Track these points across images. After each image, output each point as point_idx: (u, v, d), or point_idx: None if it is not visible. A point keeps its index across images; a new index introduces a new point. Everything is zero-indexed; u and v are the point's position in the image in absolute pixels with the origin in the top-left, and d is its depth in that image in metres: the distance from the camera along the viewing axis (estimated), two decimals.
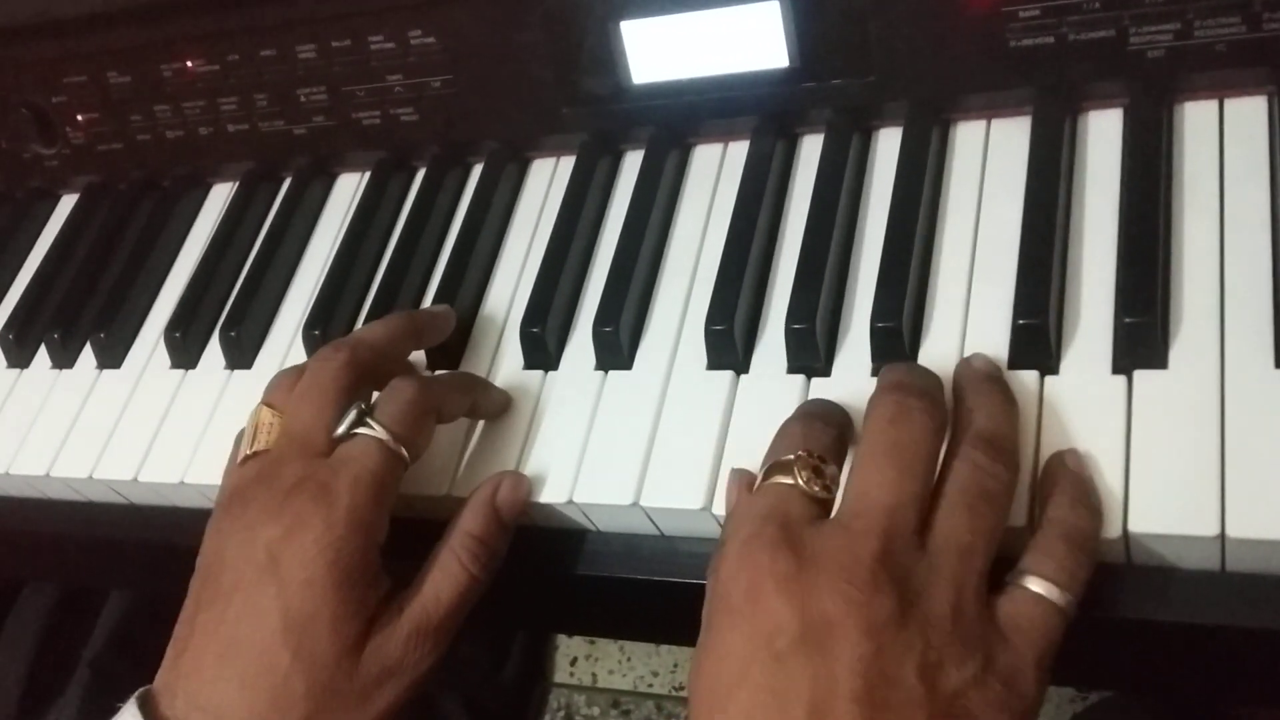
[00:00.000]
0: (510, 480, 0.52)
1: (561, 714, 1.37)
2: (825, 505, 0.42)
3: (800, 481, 0.42)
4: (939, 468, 0.43)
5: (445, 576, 0.49)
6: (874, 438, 0.42)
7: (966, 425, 0.44)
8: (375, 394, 0.54)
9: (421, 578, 0.49)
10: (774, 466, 0.43)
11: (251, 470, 0.49)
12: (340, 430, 0.49)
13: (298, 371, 0.52)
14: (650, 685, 1.36)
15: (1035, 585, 0.40)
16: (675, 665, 1.36)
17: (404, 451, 0.49)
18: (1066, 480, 0.43)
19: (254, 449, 0.50)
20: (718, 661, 0.40)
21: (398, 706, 0.47)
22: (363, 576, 0.47)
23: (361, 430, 0.48)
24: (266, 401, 0.52)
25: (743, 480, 0.46)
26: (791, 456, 0.43)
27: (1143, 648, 0.46)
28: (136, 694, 0.47)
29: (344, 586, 0.46)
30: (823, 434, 0.45)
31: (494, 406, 0.56)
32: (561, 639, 1.41)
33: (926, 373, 0.46)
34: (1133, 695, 0.73)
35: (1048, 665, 0.40)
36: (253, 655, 0.45)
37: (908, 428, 0.42)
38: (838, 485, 0.43)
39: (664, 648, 1.37)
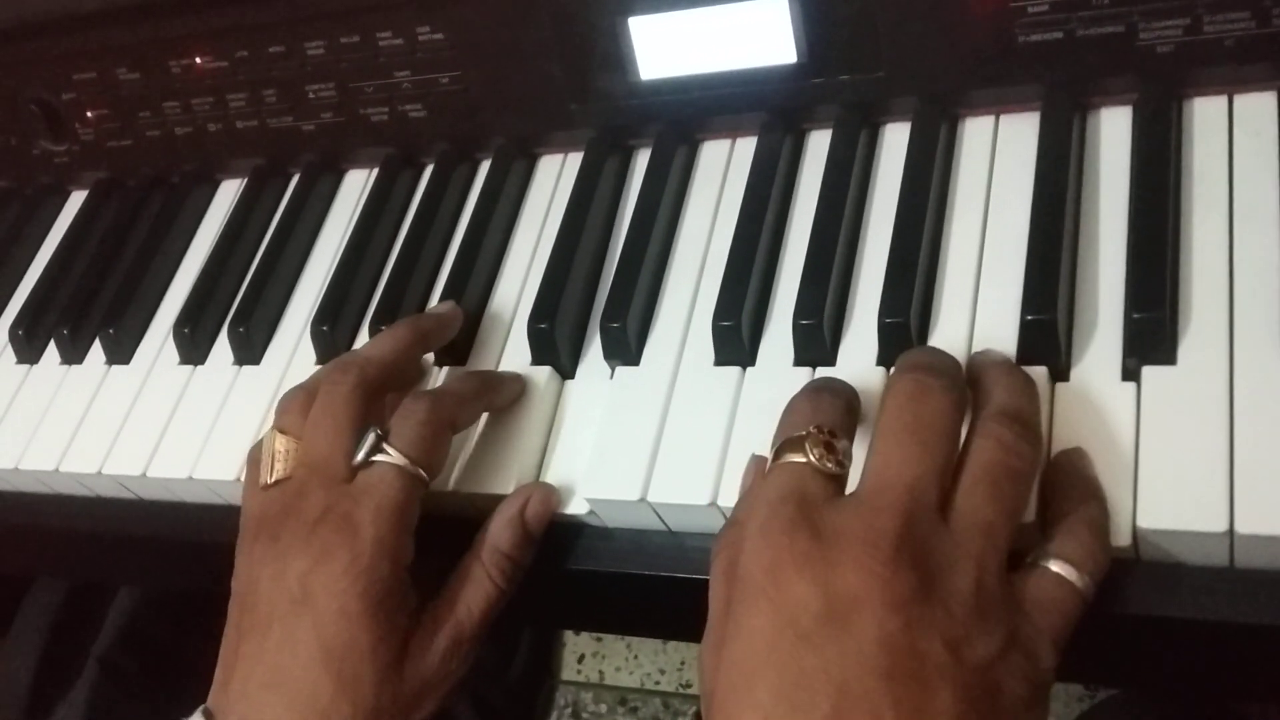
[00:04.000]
0: (540, 494, 0.52)
1: (569, 711, 1.37)
2: (840, 481, 0.42)
3: (813, 459, 0.41)
4: (960, 446, 0.42)
5: (477, 590, 0.50)
6: (893, 415, 0.42)
7: (987, 403, 0.44)
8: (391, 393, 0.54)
9: (452, 592, 0.50)
10: (785, 445, 0.43)
11: (275, 500, 0.50)
12: (359, 458, 0.49)
13: (306, 393, 0.52)
14: (657, 683, 1.36)
15: (1058, 567, 0.40)
16: (682, 663, 1.36)
17: (422, 473, 0.49)
18: (1078, 475, 0.44)
19: (274, 478, 0.51)
20: (743, 645, 0.39)
21: (437, 712, 0.49)
22: (393, 600, 0.48)
23: (379, 457, 0.49)
24: (279, 427, 0.52)
25: (760, 466, 0.46)
26: (802, 433, 0.42)
27: (1151, 644, 0.46)
28: (200, 709, 0.49)
29: (377, 613, 0.47)
30: (831, 407, 0.44)
31: (508, 400, 0.56)
32: (569, 637, 1.41)
33: (945, 354, 0.46)
34: (1140, 693, 0.73)
35: (1063, 645, 0.40)
36: (297, 685, 0.47)
37: (927, 404, 0.42)
38: (850, 460, 0.43)
39: (671, 646, 1.37)
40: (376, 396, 0.52)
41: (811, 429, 0.42)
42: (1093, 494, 0.43)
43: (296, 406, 0.52)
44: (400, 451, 0.49)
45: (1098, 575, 0.41)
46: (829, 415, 0.44)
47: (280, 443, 0.51)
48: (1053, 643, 0.39)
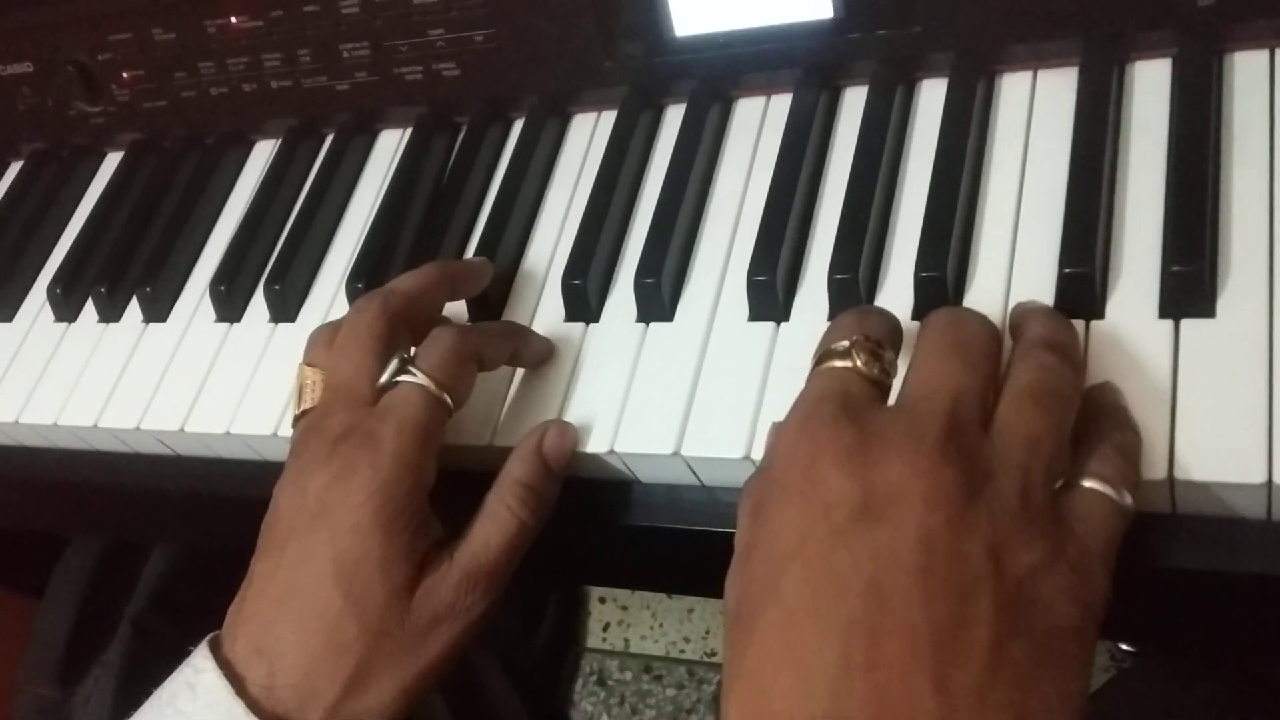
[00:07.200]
0: (556, 428, 0.52)
1: (594, 679, 1.38)
2: (884, 389, 0.41)
3: (859, 363, 0.40)
4: (1002, 373, 0.42)
5: (494, 523, 0.50)
6: (933, 337, 0.41)
7: (1026, 334, 0.43)
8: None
9: (472, 525, 0.50)
10: (828, 353, 0.42)
11: (301, 427, 0.51)
12: (384, 379, 0.50)
13: (334, 327, 0.53)
14: (682, 651, 1.37)
15: (1094, 484, 0.40)
16: (707, 631, 1.36)
17: (447, 398, 0.49)
18: (1107, 405, 0.43)
19: (302, 408, 0.51)
20: (771, 539, 0.38)
21: (452, 652, 0.48)
22: (411, 520, 0.47)
23: (404, 378, 0.49)
24: (307, 361, 0.53)
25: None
26: (847, 342, 0.41)
27: (1187, 598, 0.46)
28: (209, 636, 0.49)
29: (391, 530, 0.47)
30: (879, 322, 0.43)
31: (536, 354, 0.56)
32: (594, 605, 1.42)
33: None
34: (1171, 658, 0.72)
35: (1111, 562, 0.38)
36: (306, 600, 0.47)
37: (966, 329, 0.41)
38: (895, 371, 0.42)
39: (695, 614, 1.38)
40: (400, 326, 0.52)
41: (858, 336, 0.41)
42: (1123, 422, 0.43)
43: (324, 339, 0.52)
44: (425, 373, 0.49)
45: (1135, 494, 0.40)
46: (876, 327, 0.43)
47: (308, 375, 0.52)
48: (1101, 560, 0.38)
